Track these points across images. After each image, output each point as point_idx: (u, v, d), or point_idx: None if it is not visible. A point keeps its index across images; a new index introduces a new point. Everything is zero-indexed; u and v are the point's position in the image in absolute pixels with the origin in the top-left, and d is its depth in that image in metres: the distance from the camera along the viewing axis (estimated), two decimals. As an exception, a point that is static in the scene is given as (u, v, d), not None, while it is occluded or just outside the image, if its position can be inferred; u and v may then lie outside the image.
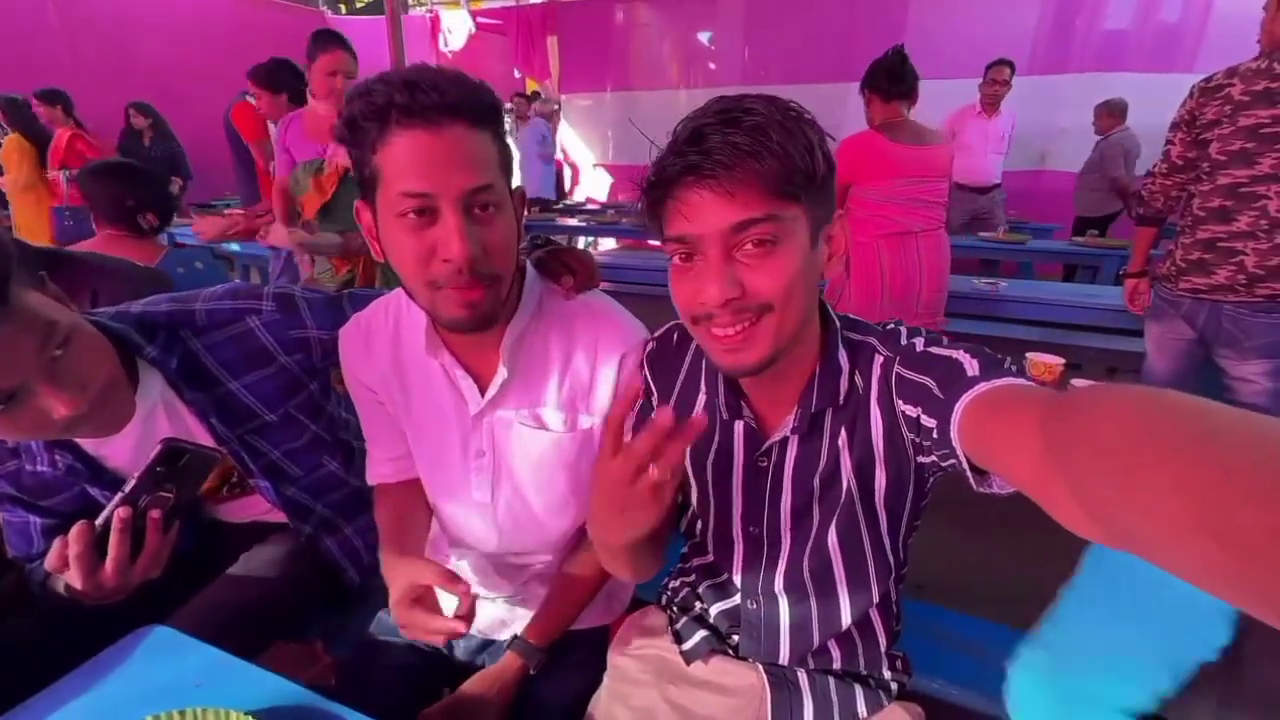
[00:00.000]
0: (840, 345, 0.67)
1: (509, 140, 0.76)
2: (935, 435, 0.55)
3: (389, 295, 0.87)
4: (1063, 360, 1.49)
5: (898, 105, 2.13)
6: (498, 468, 0.84)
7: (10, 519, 0.87)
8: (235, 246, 4.15)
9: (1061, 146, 5.04)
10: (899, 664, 0.81)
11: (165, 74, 6.10)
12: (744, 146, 0.54)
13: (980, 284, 2.67)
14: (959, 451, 0.51)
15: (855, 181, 2.13)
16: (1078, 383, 1.33)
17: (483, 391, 0.80)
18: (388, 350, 0.83)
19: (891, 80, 2.11)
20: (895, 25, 5.64)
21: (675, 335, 0.80)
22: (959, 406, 0.51)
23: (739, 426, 0.72)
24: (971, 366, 0.55)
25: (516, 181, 0.74)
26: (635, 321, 0.85)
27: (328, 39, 2.11)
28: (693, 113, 0.59)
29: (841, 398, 0.66)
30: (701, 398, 0.76)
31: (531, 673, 0.83)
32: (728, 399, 0.71)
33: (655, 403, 0.80)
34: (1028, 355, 1.51)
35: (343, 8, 9.68)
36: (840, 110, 6.20)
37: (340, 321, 0.89)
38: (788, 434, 0.68)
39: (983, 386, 0.51)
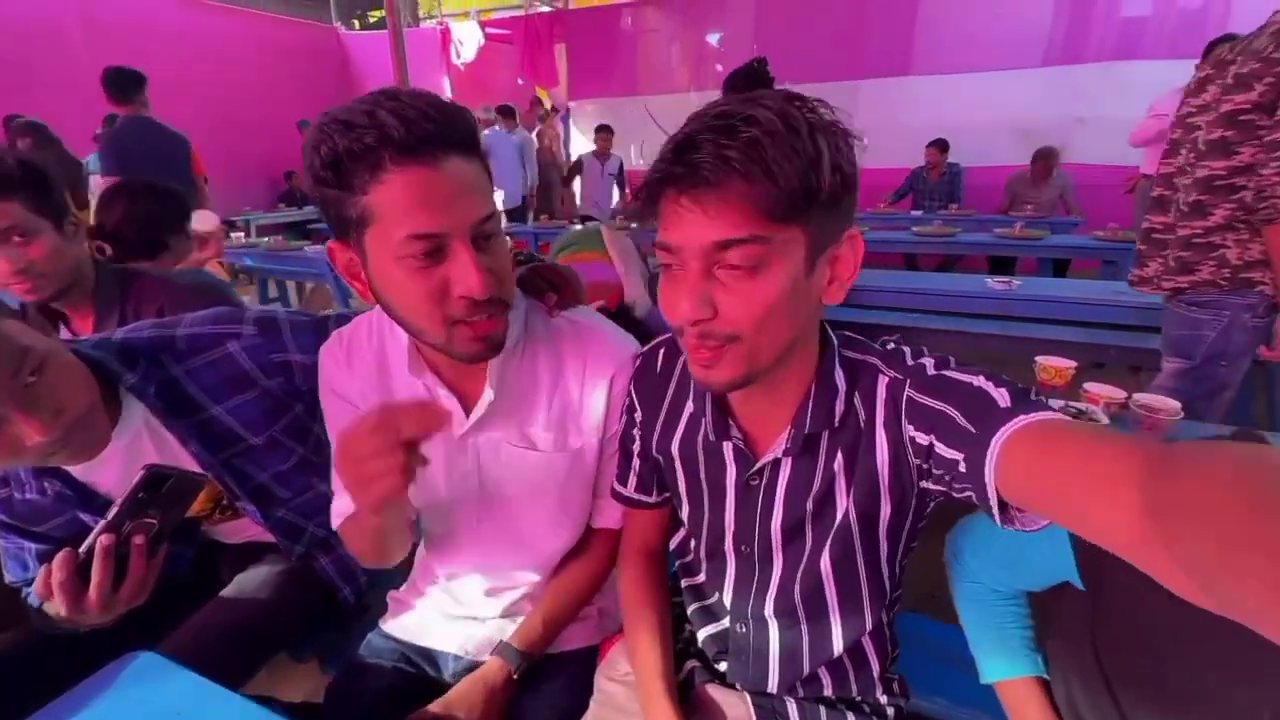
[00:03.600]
0: (837, 365, 0.64)
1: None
2: (962, 469, 0.51)
3: (371, 313, 0.86)
4: (1074, 363, 1.43)
5: None
6: (484, 489, 0.83)
7: (5, 545, 0.89)
8: (250, 260, 4.24)
9: (1081, 138, 4.92)
10: (895, 687, 0.79)
11: (184, 94, 6.25)
12: (734, 161, 0.49)
13: (993, 283, 2.61)
14: (991, 489, 0.48)
15: None
16: (1139, 398, 1.27)
17: (468, 413, 0.79)
18: (371, 367, 0.82)
19: (751, 86, 2.26)
20: (905, 20, 5.57)
21: (661, 352, 0.78)
22: (996, 442, 0.48)
23: (728, 446, 0.70)
24: (1001, 396, 0.51)
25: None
26: (624, 337, 0.83)
27: None
28: (697, 111, 0.53)
29: (837, 420, 0.63)
30: (686, 416, 0.74)
31: (515, 677, 0.82)
32: (715, 419, 0.69)
33: (639, 420, 0.79)
34: (1037, 359, 1.45)
35: (356, 24, 9.86)
36: (851, 106, 6.15)
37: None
38: (780, 455, 0.66)
39: (1022, 421, 0.48)
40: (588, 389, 0.80)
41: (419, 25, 8.65)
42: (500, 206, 5.85)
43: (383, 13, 4.84)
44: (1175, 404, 1.24)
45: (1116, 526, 0.37)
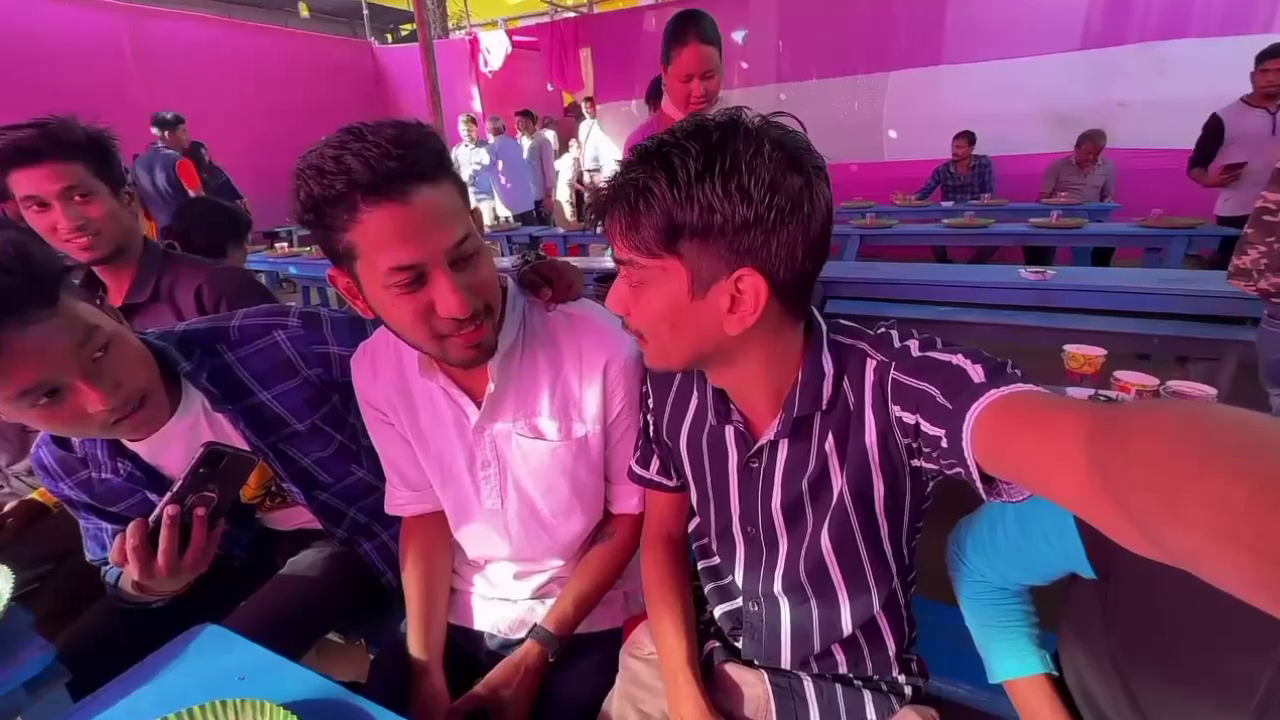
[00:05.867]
0: (825, 350, 0.67)
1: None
2: (944, 444, 0.54)
3: None
4: (1104, 351, 1.41)
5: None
6: (504, 476, 0.88)
7: (87, 526, 0.98)
8: (294, 269, 4.43)
9: (1121, 122, 4.74)
10: (914, 666, 0.81)
11: (228, 113, 6.55)
12: (612, 202, 0.59)
13: (1027, 274, 2.56)
14: (970, 461, 0.50)
15: None
16: (1172, 385, 1.25)
17: (479, 406, 0.84)
18: (392, 373, 0.89)
19: (658, 96, 2.51)
20: (936, 7, 5.45)
21: None
22: (971, 416, 0.50)
23: (730, 430, 0.74)
24: (976, 372, 0.54)
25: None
26: (618, 327, 0.86)
27: (684, 26, 1.67)
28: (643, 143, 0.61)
29: (825, 402, 0.66)
30: (694, 402, 0.78)
31: (550, 659, 0.87)
32: (716, 405, 0.72)
33: (652, 405, 0.83)
34: (1066, 347, 1.43)
35: (389, 37, 10.14)
36: (879, 99, 6.06)
37: (363, 339, 0.96)
38: (774, 437, 0.69)
39: (994, 394, 0.50)
40: (585, 379, 0.85)
41: (448, 36, 8.85)
42: (501, 214, 5.93)
43: (414, 25, 4.98)
44: (1211, 389, 1.21)
45: (1070, 484, 0.39)
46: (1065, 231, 3.58)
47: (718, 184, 0.54)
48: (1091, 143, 4.25)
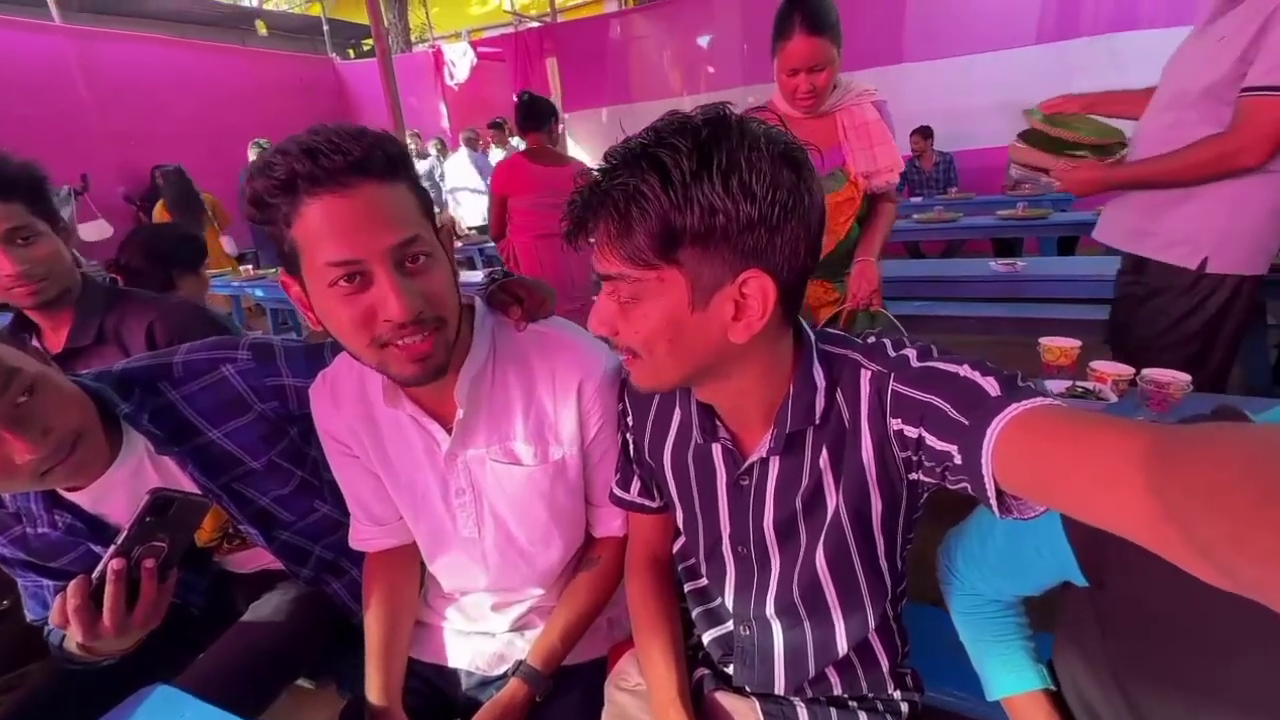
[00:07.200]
0: (816, 362, 0.64)
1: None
2: (958, 461, 0.51)
3: None
4: (1079, 342, 1.41)
5: (535, 136, 2.85)
6: (479, 504, 0.84)
7: (25, 584, 0.91)
8: (259, 293, 4.32)
9: (1079, 113, 4.86)
10: (909, 680, 0.78)
11: (186, 133, 6.39)
12: (599, 212, 0.54)
13: (997, 266, 2.58)
14: (988, 479, 0.48)
15: (510, 195, 2.87)
16: (1148, 373, 1.24)
17: (449, 432, 0.80)
18: (355, 403, 0.84)
19: (525, 118, 2.85)
20: (895, 7, 5.54)
21: None
22: (991, 433, 0.47)
23: (717, 448, 0.70)
24: (990, 385, 0.51)
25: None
26: (593, 345, 0.83)
27: (788, 16, 1.51)
28: (611, 147, 0.56)
29: (819, 416, 0.63)
30: (677, 419, 0.74)
31: (537, 699, 0.82)
32: (701, 421, 0.69)
33: (631, 423, 0.79)
34: (1041, 340, 1.43)
35: (351, 53, 10.02)
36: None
37: (320, 368, 0.90)
38: (765, 454, 0.66)
39: (1015, 410, 0.47)
40: (559, 400, 0.81)
41: (412, 50, 8.76)
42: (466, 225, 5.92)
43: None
44: (1185, 376, 1.21)
45: (1127, 511, 0.37)
46: (1033, 222, 3.64)
47: (717, 182, 0.50)
48: None
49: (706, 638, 0.79)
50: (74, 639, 0.71)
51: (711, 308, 0.55)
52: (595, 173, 0.55)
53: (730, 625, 0.77)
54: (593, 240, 0.57)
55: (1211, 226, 1.38)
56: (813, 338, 0.65)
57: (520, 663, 0.85)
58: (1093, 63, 4.84)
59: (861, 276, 1.60)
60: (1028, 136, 1.87)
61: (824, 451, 0.65)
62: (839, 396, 0.63)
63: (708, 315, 0.56)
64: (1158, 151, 1.38)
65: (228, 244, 4.81)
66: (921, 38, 5.51)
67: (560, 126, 3.33)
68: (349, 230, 0.61)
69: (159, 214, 4.65)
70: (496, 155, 6.15)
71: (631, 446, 0.81)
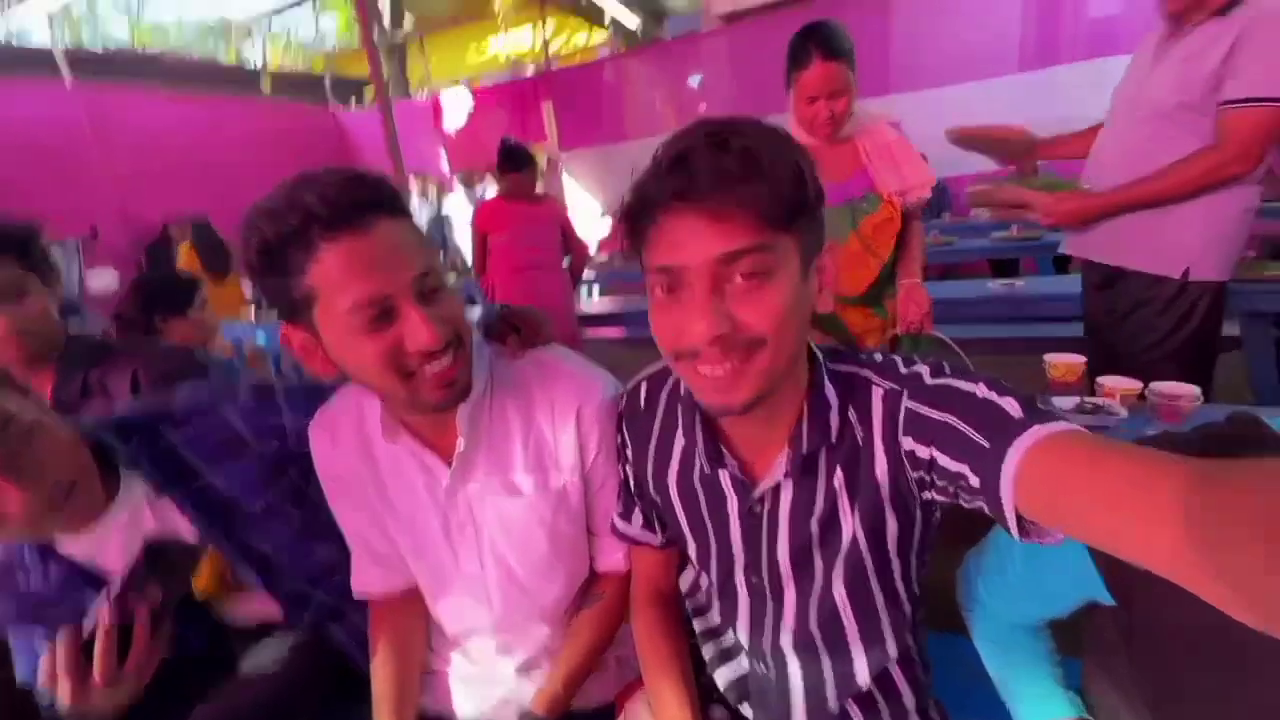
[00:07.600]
0: (827, 380, 0.62)
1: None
2: (974, 484, 0.49)
3: (350, 384, 0.85)
4: (1084, 359, 1.40)
5: (513, 177, 3.00)
6: (481, 538, 0.82)
7: (16, 643, 0.88)
8: (262, 338, 4.34)
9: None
10: (933, 713, 0.75)
11: (189, 185, 6.53)
12: (733, 170, 0.49)
13: (996, 286, 2.59)
14: (1008, 504, 0.46)
15: (490, 232, 3.05)
16: (1156, 386, 1.24)
17: (448, 466, 0.78)
18: (354, 440, 0.83)
19: (504, 162, 3.00)
20: (880, 41, 5.72)
21: (644, 389, 0.78)
22: (1012, 457, 0.46)
23: (724, 475, 0.69)
24: (1010, 406, 0.50)
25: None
26: (590, 371, 0.83)
27: (804, 44, 1.49)
28: (676, 134, 0.54)
29: (834, 435, 0.61)
30: (679, 447, 0.73)
31: None
32: (708, 449, 0.67)
33: (631, 456, 0.78)
34: (1046, 358, 1.42)
35: (353, 100, 10.30)
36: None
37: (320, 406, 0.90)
38: (780, 479, 0.64)
39: (1039, 433, 0.46)
40: (559, 425, 0.80)
41: (411, 98, 9.01)
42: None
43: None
44: (1194, 389, 1.20)
45: (1156, 544, 0.36)
46: (1029, 243, 3.68)
47: (804, 154, 0.53)
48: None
49: (721, 680, 0.76)
50: (63, 699, 0.68)
51: (810, 280, 0.56)
52: (711, 136, 0.51)
53: (745, 663, 0.74)
54: (708, 215, 0.51)
55: (1191, 235, 1.39)
56: (820, 355, 0.64)
57: (527, 712, 0.81)
58: (1075, 88, 4.96)
59: (910, 300, 1.57)
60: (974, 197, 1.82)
61: (838, 471, 0.63)
62: (851, 415, 0.62)
63: (808, 288, 0.56)
64: (1140, 164, 1.40)
65: (249, 289, 4.85)
66: (907, 69, 5.66)
67: (559, 165, 3.46)
68: (372, 268, 0.61)
69: (185, 258, 4.63)
70: (493, 193, 6.28)
71: (633, 481, 0.79)
